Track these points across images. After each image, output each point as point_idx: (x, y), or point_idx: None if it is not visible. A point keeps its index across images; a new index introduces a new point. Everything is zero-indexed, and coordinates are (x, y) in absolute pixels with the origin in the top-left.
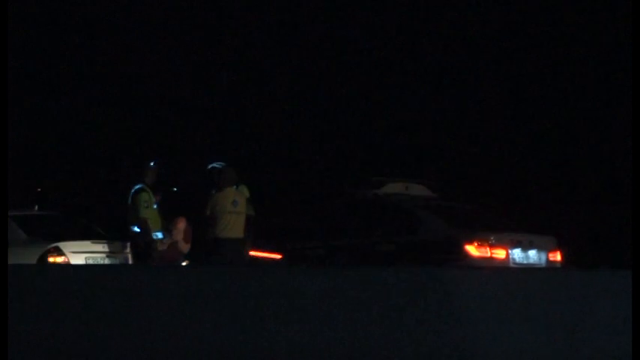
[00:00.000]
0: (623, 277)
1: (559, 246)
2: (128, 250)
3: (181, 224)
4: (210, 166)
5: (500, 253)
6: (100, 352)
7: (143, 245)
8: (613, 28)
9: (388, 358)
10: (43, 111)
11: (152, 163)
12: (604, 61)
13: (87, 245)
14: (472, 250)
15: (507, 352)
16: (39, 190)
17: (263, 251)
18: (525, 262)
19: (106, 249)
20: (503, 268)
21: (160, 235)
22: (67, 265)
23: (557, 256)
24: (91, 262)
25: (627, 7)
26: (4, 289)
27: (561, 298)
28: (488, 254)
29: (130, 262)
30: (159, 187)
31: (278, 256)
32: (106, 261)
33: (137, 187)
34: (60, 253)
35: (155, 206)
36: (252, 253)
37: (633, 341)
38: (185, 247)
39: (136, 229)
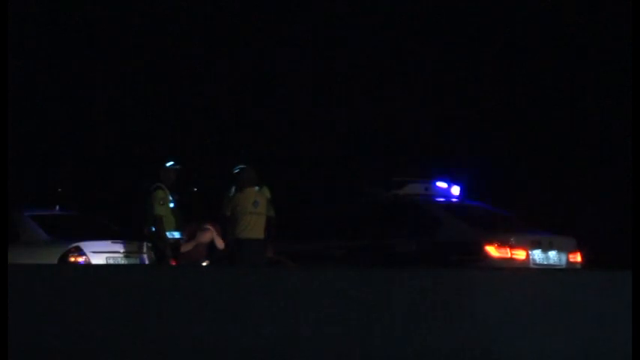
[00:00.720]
0: None
1: (579, 247)
2: (146, 249)
3: (209, 233)
4: (237, 169)
5: (520, 254)
6: (101, 352)
7: (161, 245)
8: (613, 28)
9: (399, 358)
10: (61, 111)
11: (169, 164)
12: (605, 61)
13: (107, 245)
14: (492, 250)
15: (525, 352)
16: (60, 190)
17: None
18: (545, 263)
19: (126, 249)
20: (523, 269)
21: (176, 234)
22: (73, 266)
23: (578, 257)
24: (111, 261)
25: (627, 8)
26: (4, 289)
27: (581, 298)
28: (509, 255)
29: (148, 261)
30: (178, 186)
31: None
32: (126, 261)
33: (154, 185)
34: (81, 252)
35: (172, 205)
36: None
37: (633, 341)
38: (220, 243)
39: (153, 228)
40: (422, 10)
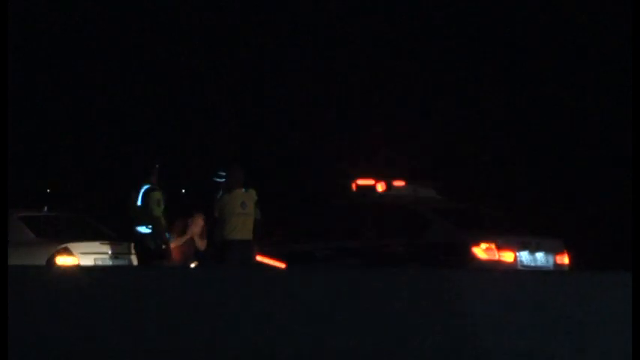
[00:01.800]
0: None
1: (566, 248)
2: (134, 250)
3: (201, 220)
4: (223, 171)
5: (507, 256)
6: (98, 355)
7: (155, 245)
8: (613, 28)
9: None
10: (50, 112)
11: (158, 165)
12: (604, 62)
13: (96, 246)
14: (479, 252)
15: (515, 355)
16: (48, 191)
17: (268, 257)
18: (533, 264)
19: (114, 250)
20: (511, 271)
21: (167, 234)
22: (69, 267)
23: (565, 259)
24: (99, 263)
25: (627, 7)
26: (4, 290)
27: (568, 300)
28: (496, 257)
29: (135, 263)
30: (162, 187)
31: (282, 265)
32: (114, 262)
33: (147, 186)
34: (69, 253)
35: (163, 206)
36: (258, 258)
37: (633, 342)
38: (202, 244)
39: (145, 229)
40: (422, 10)
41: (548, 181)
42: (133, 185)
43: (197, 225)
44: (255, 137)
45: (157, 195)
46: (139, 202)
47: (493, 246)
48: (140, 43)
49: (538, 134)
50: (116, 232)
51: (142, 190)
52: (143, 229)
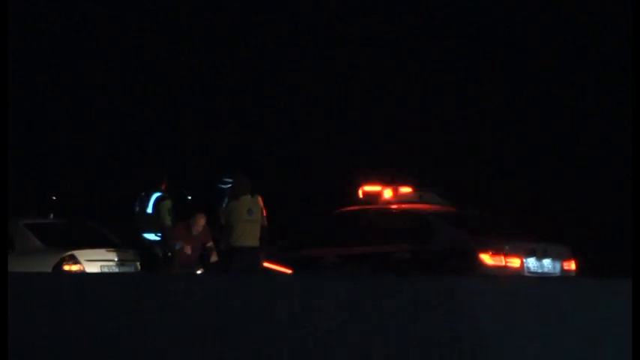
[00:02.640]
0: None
1: (574, 255)
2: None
3: (202, 220)
4: (223, 180)
5: (514, 262)
6: (101, 355)
7: (162, 253)
8: (613, 28)
9: None
10: (50, 112)
11: (167, 173)
12: (604, 62)
13: (102, 253)
14: (486, 259)
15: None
16: (54, 198)
17: (274, 263)
18: (540, 271)
19: (121, 257)
20: (518, 277)
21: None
22: (74, 273)
23: (572, 265)
24: (105, 270)
25: (627, 7)
26: (4, 292)
27: (572, 306)
28: (503, 263)
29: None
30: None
31: (288, 271)
32: (121, 269)
33: (158, 194)
34: (75, 261)
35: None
36: (265, 264)
37: (634, 350)
38: (209, 239)
39: (154, 236)
40: (422, 10)
41: (548, 181)
42: (143, 192)
43: (199, 225)
44: (255, 137)
45: (168, 204)
46: (149, 210)
47: (500, 252)
48: (140, 43)
49: (538, 134)
50: (114, 234)
51: (154, 198)
52: (152, 236)
